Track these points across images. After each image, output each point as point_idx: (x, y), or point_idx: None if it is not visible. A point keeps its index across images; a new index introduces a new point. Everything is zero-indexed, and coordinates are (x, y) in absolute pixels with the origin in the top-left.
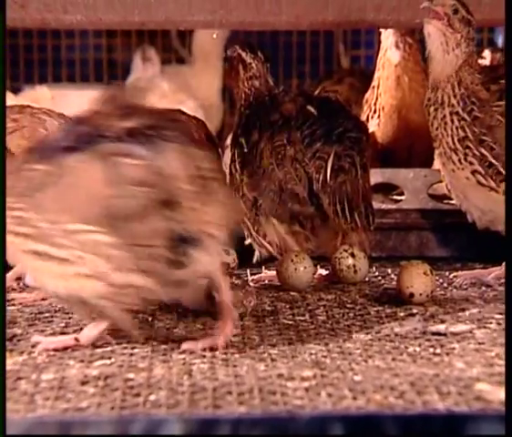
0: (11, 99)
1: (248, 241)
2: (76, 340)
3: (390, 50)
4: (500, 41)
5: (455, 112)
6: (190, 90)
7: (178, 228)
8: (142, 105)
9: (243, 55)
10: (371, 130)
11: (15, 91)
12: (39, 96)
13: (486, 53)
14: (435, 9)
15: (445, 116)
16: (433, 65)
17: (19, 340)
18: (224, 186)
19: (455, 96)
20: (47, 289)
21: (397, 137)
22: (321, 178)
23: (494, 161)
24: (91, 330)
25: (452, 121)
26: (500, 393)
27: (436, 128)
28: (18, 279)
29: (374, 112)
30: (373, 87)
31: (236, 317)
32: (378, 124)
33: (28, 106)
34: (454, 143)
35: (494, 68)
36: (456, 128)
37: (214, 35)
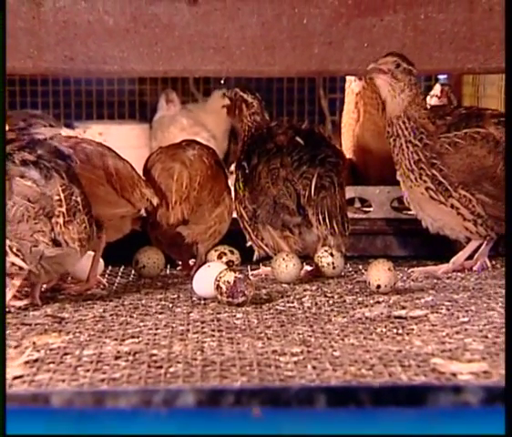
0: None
1: (249, 243)
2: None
3: (354, 82)
4: None
5: (409, 141)
6: (205, 124)
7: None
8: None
9: (245, 96)
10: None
11: (67, 126)
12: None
13: (437, 86)
14: (379, 67)
15: (401, 145)
16: (386, 106)
17: (67, 323)
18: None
19: (406, 129)
20: None
21: (355, 151)
22: (306, 194)
23: (443, 180)
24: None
25: (407, 148)
26: (451, 366)
27: (397, 155)
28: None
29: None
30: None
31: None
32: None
33: (75, 137)
34: (411, 165)
35: (442, 107)
36: (411, 153)
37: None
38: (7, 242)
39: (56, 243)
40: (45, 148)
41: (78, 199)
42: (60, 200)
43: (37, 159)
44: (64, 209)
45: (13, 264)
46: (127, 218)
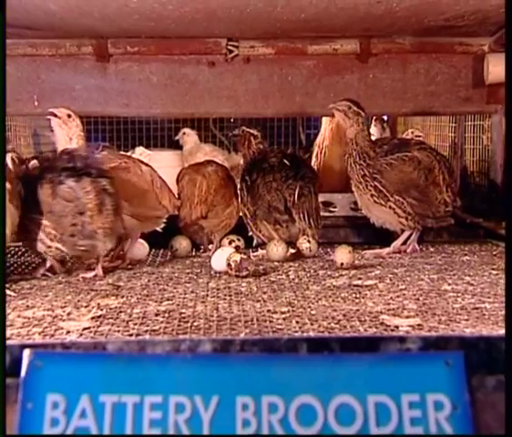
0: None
1: (250, 234)
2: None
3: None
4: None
5: (356, 160)
6: (220, 150)
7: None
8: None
9: (252, 130)
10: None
11: (126, 151)
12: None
13: (374, 118)
14: (335, 107)
15: (352, 163)
16: (345, 133)
17: (122, 289)
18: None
19: (355, 150)
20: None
21: (322, 173)
22: (291, 200)
23: (382, 189)
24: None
25: (356, 165)
26: (394, 321)
27: (350, 171)
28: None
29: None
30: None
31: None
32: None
33: (138, 160)
34: (359, 178)
35: (381, 140)
36: (359, 170)
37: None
38: (53, 232)
39: (86, 235)
40: (81, 161)
41: (107, 188)
42: (88, 191)
43: (73, 167)
44: (92, 197)
45: (56, 248)
46: (160, 219)
